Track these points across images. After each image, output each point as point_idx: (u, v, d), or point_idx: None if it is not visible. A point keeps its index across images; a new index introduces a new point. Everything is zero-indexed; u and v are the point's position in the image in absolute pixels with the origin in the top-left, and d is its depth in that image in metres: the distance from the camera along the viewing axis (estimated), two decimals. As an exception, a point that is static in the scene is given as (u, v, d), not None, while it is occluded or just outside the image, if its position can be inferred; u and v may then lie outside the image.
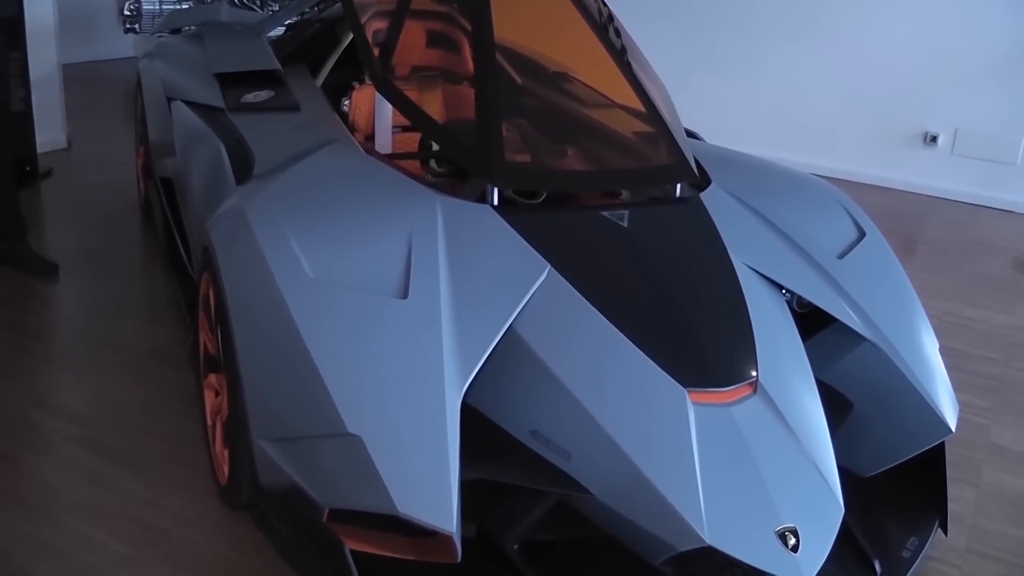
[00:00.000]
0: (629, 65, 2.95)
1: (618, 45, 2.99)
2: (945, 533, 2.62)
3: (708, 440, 2.10)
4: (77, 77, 6.97)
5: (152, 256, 4.38)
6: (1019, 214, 6.36)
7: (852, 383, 2.60)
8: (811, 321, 2.65)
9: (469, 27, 3.00)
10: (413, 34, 3.50)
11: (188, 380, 3.19)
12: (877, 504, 2.58)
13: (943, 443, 2.59)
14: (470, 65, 3.46)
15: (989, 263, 5.40)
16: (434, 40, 3.58)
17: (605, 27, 3.01)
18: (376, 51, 3.11)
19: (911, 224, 6.04)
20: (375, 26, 3.23)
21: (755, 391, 2.23)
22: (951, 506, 2.64)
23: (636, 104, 2.93)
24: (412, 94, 3.09)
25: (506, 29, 2.90)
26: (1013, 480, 3.10)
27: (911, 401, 2.52)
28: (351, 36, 3.89)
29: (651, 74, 3.15)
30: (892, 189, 6.65)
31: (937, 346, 2.70)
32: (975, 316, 4.52)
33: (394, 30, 3.14)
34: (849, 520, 2.27)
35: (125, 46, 8.68)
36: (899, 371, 2.52)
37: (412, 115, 2.99)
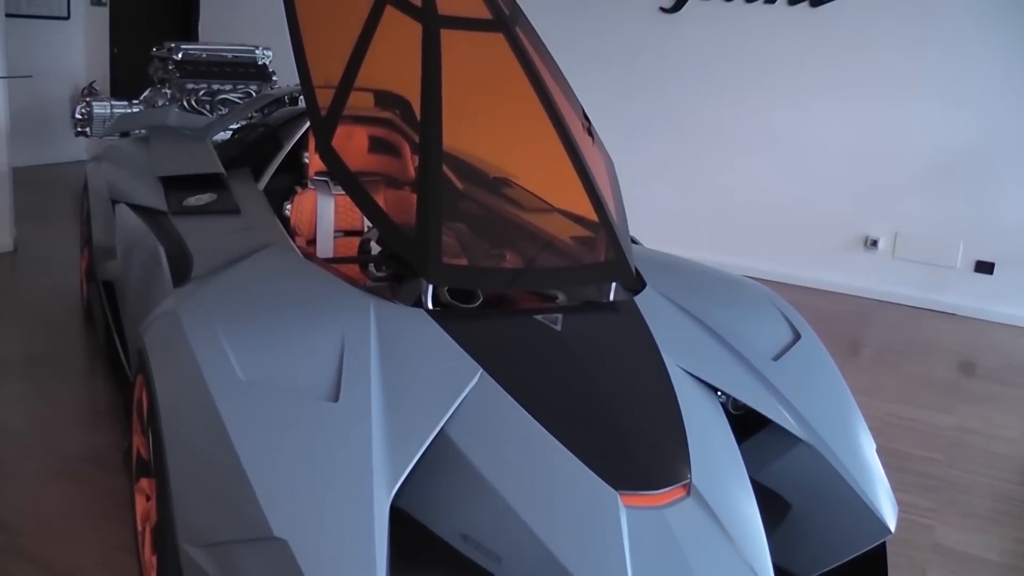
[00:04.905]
0: (586, 169, 2.90)
1: (578, 145, 2.92)
2: (886, 636, 2.60)
3: (640, 543, 2.07)
4: (29, 180, 6.99)
5: (93, 360, 4.32)
6: (960, 316, 6.49)
7: (789, 484, 2.60)
8: (747, 423, 2.66)
9: (420, 116, 2.86)
10: (363, 111, 3.42)
11: (123, 485, 3.12)
12: (818, 607, 2.56)
13: (884, 544, 2.58)
14: (411, 168, 3.47)
15: (931, 365, 5.48)
16: (379, 135, 3.58)
17: (564, 126, 2.92)
18: (324, 117, 2.95)
19: (854, 326, 6.13)
20: (326, 94, 3.01)
21: (688, 493, 2.22)
22: (893, 609, 2.64)
23: (585, 206, 2.90)
24: (356, 168, 2.96)
25: (458, 125, 2.84)
26: (956, 582, 3.10)
27: (849, 502, 2.52)
28: (294, 140, 3.94)
29: (609, 172, 3.13)
30: (835, 292, 6.77)
31: (874, 447, 2.70)
32: (918, 417, 4.56)
33: (344, 99, 2.97)
34: (787, 624, 2.25)
35: (78, 150, 8.72)
36: (836, 472, 2.53)
37: (351, 189, 2.89)
